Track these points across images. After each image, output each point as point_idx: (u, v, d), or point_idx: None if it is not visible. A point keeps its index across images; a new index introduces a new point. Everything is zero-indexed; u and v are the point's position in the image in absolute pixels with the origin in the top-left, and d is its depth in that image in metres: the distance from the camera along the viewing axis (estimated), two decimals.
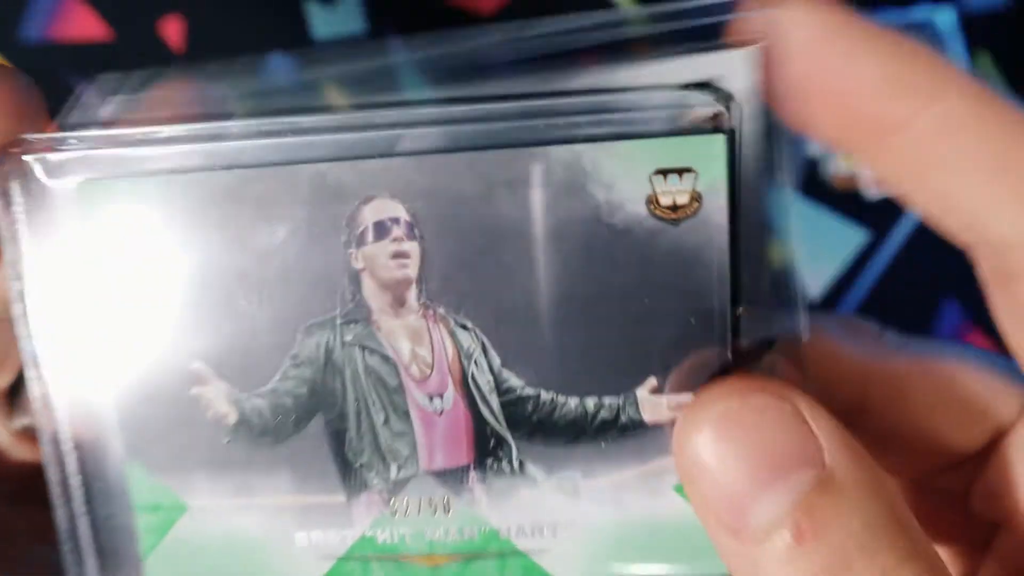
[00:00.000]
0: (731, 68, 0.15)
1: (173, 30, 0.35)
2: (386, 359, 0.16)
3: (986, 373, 0.17)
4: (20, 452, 0.21)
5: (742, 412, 0.14)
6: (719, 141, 0.15)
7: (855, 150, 0.15)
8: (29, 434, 0.21)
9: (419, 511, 0.17)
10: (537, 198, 0.15)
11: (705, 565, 0.17)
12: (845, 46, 0.14)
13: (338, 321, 0.16)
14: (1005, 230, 0.15)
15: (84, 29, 0.35)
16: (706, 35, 0.15)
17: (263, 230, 0.16)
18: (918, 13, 0.37)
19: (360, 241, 0.16)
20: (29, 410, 0.21)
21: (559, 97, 0.15)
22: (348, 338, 0.16)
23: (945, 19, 0.37)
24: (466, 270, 0.16)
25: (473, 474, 0.17)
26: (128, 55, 0.35)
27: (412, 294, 0.16)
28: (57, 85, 0.39)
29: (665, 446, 0.16)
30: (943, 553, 0.18)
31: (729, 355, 0.16)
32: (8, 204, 0.16)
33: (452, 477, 0.17)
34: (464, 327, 0.16)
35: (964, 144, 0.14)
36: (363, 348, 0.16)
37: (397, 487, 0.17)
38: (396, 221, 0.16)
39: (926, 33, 0.37)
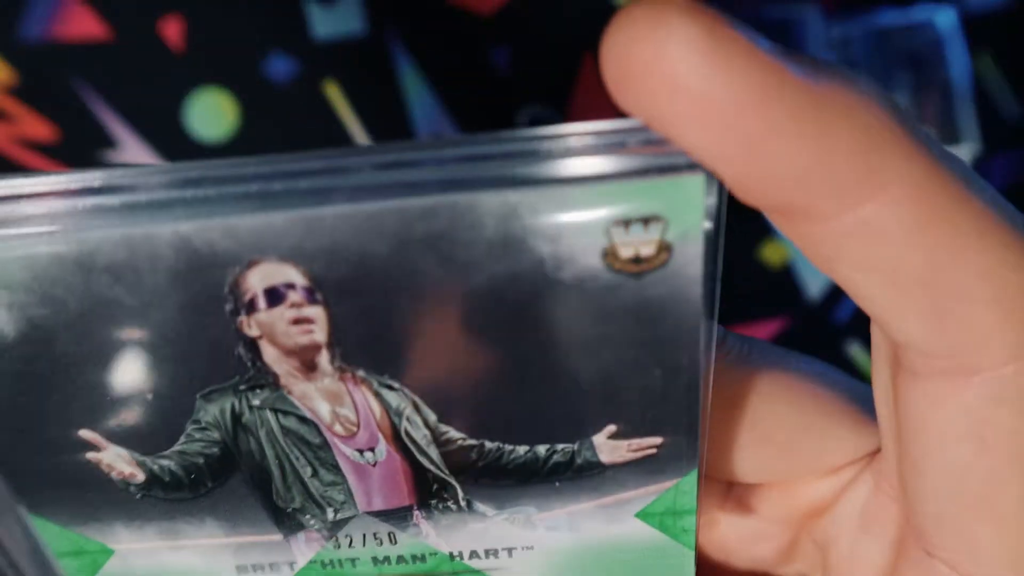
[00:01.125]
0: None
1: (173, 30, 0.35)
2: (304, 420, 0.14)
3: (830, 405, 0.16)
4: None
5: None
6: (696, 183, 0.11)
7: (782, 227, 0.12)
8: None
9: (364, 543, 0.16)
10: (464, 255, 0.12)
11: None
12: (763, 128, 0.11)
13: (240, 387, 0.14)
14: (907, 339, 0.13)
15: (84, 29, 0.35)
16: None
17: (127, 302, 0.13)
18: (918, 13, 0.37)
19: (250, 308, 0.13)
20: None
21: (487, 135, 0.11)
22: (256, 403, 0.14)
23: (945, 19, 0.37)
24: (384, 332, 0.13)
25: (417, 512, 0.15)
26: (128, 55, 0.35)
27: (324, 358, 0.13)
28: (57, 85, 0.35)
29: (626, 482, 0.15)
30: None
31: (698, 400, 0.14)
32: None
33: (394, 516, 0.15)
34: (390, 387, 0.14)
35: (887, 251, 0.12)
36: (275, 411, 0.14)
37: (337, 526, 0.16)
38: (291, 286, 0.12)
39: (926, 33, 0.36)
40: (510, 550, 0.16)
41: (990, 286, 0.12)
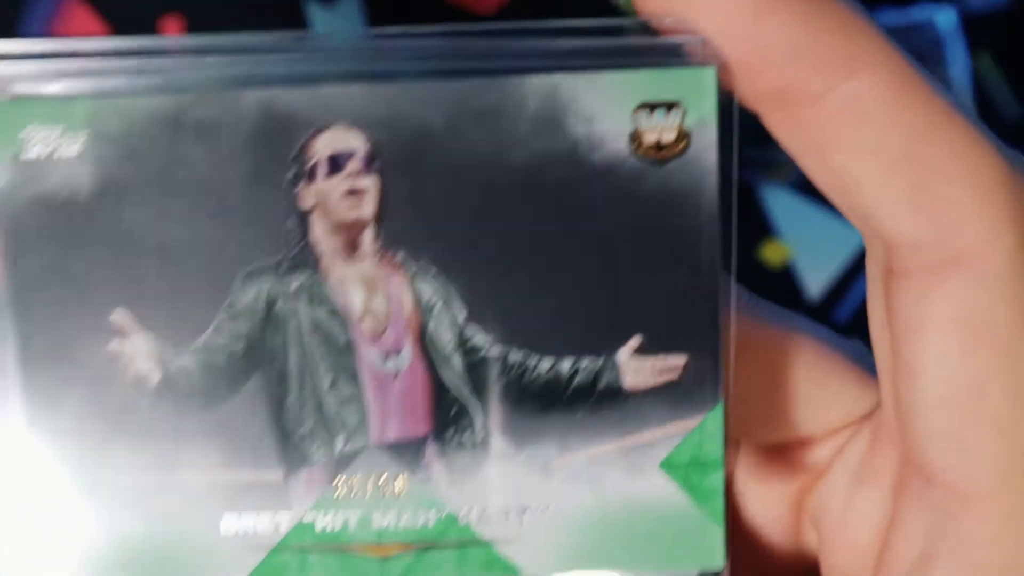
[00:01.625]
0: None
1: (173, 30, 0.35)
2: (335, 312, 0.14)
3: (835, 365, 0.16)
4: None
5: None
6: (709, 74, 0.14)
7: (763, 113, 0.14)
8: None
9: (367, 492, 0.15)
10: (509, 131, 0.14)
11: (691, 560, 0.15)
12: (760, 8, 0.13)
13: (282, 268, 0.14)
14: (895, 228, 0.14)
15: (84, 29, 0.35)
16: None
17: (202, 163, 0.14)
18: (918, 13, 0.37)
19: (310, 176, 0.14)
20: None
21: (537, 26, 0.14)
22: (292, 288, 0.14)
23: (945, 19, 0.37)
24: (430, 210, 0.14)
25: (431, 447, 0.15)
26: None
27: (368, 237, 0.14)
28: None
29: (650, 416, 0.15)
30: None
31: (720, 310, 0.14)
32: None
33: (407, 451, 0.15)
34: (426, 275, 0.14)
35: (871, 128, 0.13)
36: (309, 299, 0.14)
37: (343, 462, 0.15)
38: (353, 154, 0.14)
39: (926, 33, 0.37)
40: (523, 511, 0.15)
41: (965, 165, 0.13)
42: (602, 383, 0.14)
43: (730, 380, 0.15)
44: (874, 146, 0.13)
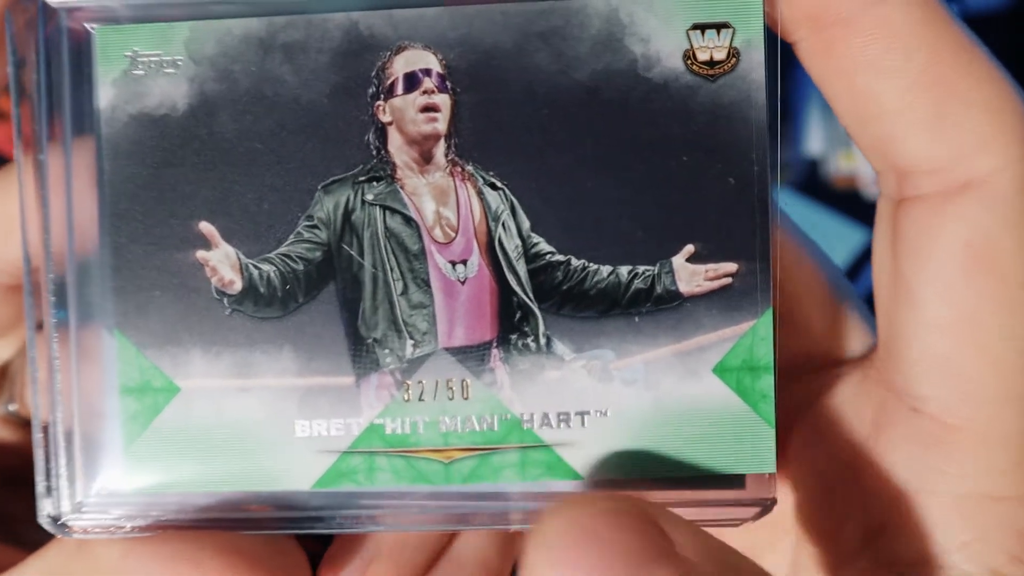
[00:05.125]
0: None
1: None
2: (408, 220, 0.15)
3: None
4: (5, 435, 0.20)
5: (597, 528, 0.13)
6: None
7: (798, 39, 0.15)
8: (15, 420, 0.20)
9: (435, 395, 0.15)
10: (572, 51, 0.15)
11: (744, 463, 0.15)
12: None
13: (360, 178, 0.15)
14: (913, 151, 0.14)
15: None
16: None
17: (289, 81, 0.15)
18: None
19: (389, 93, 0.15)
20: (16, 396, 0.19)
21: None
22: (369, 197, 0.15)
23: None
24: (498, 125, 0.15)
25: (495, 352, 0.15)
26: None
27: (440, 149, 0.15)
28: None
29: (704, 321, 0.15)
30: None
31: (769, 219, 0.15)
32: (26, 49, 0.15)
33: (472, 355, 0.15)
34: (493, 186, 0.15)
35: (898, 49, 0.14)
36: (384, 208, 0.15)
37: (412, 366, 0.15)
38: (428, 72, 0.15)
39: None
40: (583, 415, 0.15)
41: (985, 93, 0.14)
42: (659, 288, 0.15)
43: (777, 282, 0.15)
44: (900, 67, 0.14)
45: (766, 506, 0.15)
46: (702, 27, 0.15)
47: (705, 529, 0.14)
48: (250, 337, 0.15)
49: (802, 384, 0.17)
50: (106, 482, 0.16)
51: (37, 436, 0.16)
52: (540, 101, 0.15)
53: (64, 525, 0.16)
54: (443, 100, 0.15)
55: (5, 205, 0.16)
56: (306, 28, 0.15)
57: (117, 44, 0.15)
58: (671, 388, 0.15)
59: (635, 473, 0.15)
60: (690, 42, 0.15)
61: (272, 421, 0.15)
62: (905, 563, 0.15)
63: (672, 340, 0.15)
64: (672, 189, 0.15)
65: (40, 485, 0.16)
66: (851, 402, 0.16)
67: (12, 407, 0.20)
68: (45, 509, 0.16)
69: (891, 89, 0.14)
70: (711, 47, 0.15)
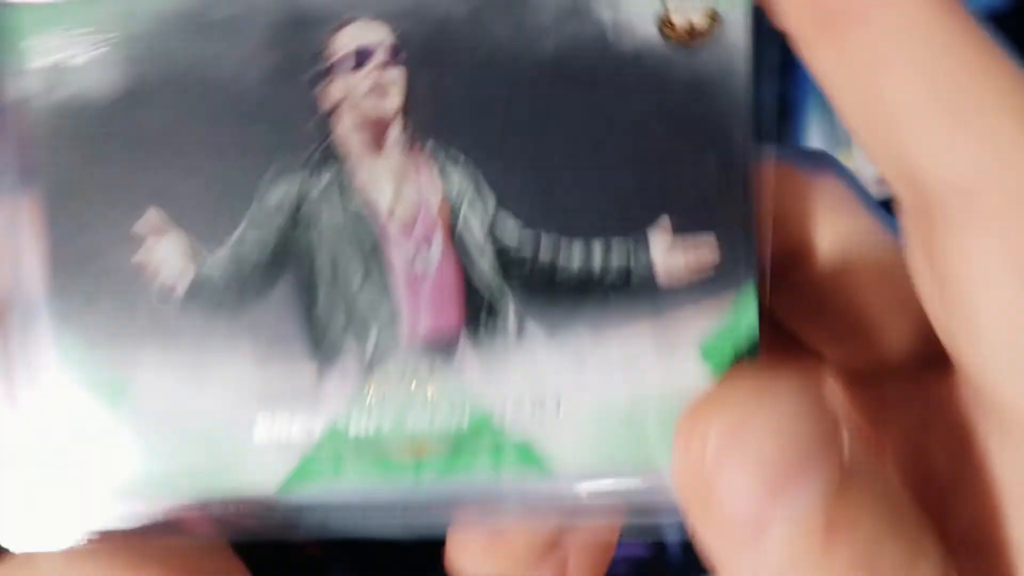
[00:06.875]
0: None
1: None
2: (363, 208, 0.14)
3: None
4: None
5: (756, 413, 0.13)
6: None
7: (814, 41, 0.14)
8: None
9: (400, 391, 0.15)
10: (534, 19, 0.14)
11: None
12: None
13: (309, 165, 0.14)
14: (932, 168, 0.13)
15: None
16: None
17: (224, 62, 0.14)
18: None
19: (336, 71, 0.14)
20: None
21: None
22: (321, 185, 0.14)
23: None
24: (457, 100, 0.14)
25: (464, 341, 0.15)
26: None
27: (395, 130, 0.14)
28: None
29: (681, 298, 0.15)
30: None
31: (751, 191, 0.14)
32: None
33: (439, 344, 0.15)
34: (454, 164, 0.14)
35: (920, 52, 0.13)
36: (338, 197, 0.14)
37: (375, 359, 0.15)
38: (379, 45, 0.14)
39: None
40: (558, 400, 0.15)
41: (1011, 99, 0.13)
42: (634, 263, 0.14)
43: (765, 260, 0.14)
44: (921, 71, 0.13)
45: None
46: None
47: None
48: (205, 333, 0.14)
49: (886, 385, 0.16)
50: (52, 490, 0.15)
51: None
52: (502, 73, 0.14)
53: (8, 536, 0.15)
54: (396, 77, 0.14)
55: None
56: (240, 3, 0.14)
57: (36, 27, 0.14)
58: (649, 369, 0.15)
59: (616, 459, 0.15)
60: (665, 7, 0.14)
61: (230, 422, 0.14)
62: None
63: (650, 317, 0.15)
64: (647, 162, 0.14)
65: None
66: (934, 408, 0.16)
67: None
68: None
69: (909, 94, 0.13)
70: (689, 10, 0.14)
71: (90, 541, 0.15)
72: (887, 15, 0.13)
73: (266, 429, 0.14)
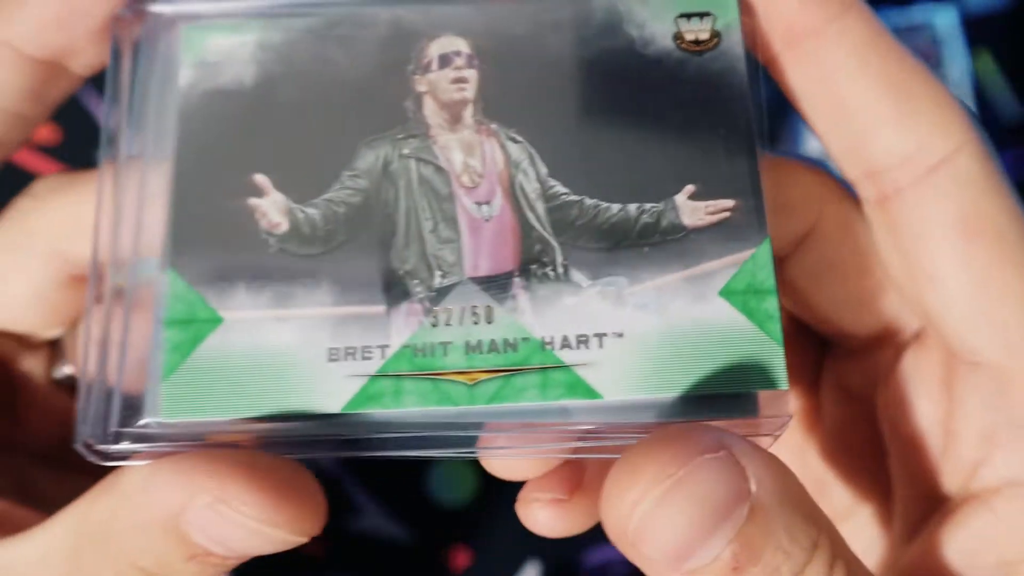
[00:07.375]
0: None
1: None
2: (439, 169, 0.17)
3: None
4: (58, 401, 0.20)
5: (682, 477, 0.15)
6: None
7: (778, 60, 0.18)
8: (68, 384, 0.21)
9: (460, 321, 0.16)
10: (579, 34, 0.18)
11: (757, 380, 0.16)
12: None
13: (399, 136, 0.18)
14: (886, 143, 0.17)
15: None
16: None
17: (341, 62, 0.18)
18: (918, 13, 0.38)
19: (426, 69, 0.18)
20: (71, 359, 0.21)
21: None
22: (405, 151, 0.18)
23: (945, 19, 0.38)
24: (517, 93, 0.18)
25: (517, 280, 0.17)
26: None
27: (468, 112, 0.18)
28: None
29: (708, 250, 0.17)
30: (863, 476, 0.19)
31: (756, 165, 0.17)
32: (123, 54, 0.18)
33: (496, 284, 0.17)
34: (514, 140, 0.17)
35: (862, 53, 0.17)
36: (419, 160, 0.17)
37: (440, 295, 0.17)
38: (458, 53, 0.18)
39: (926, 33, 0.38)
40: (601, 337, 0.16)
41: (934, 85, 0.17)
42: (665, 221, 0.17)
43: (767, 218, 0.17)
44: (865, 68, 0.17)
45: (784, 423, 0.16)
46: (688, 15, 0.18)
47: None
48: (291, 272, 0.17)
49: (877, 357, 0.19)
50: (144, 410, 0.16)
51: (81, 368, 0.16)
52: (553, 74, 0.18)
53: (100, 452, 0.16)
54: (471, 74, 0.18)
55: (84, 209, 0.18)
56: (358, 22, 0.18)
57: (199, 36, 0.18)
58: (681, 311, 0.16)
59: (651, 391, 0.16)
60: (678, 27, 0.18)
61: (306, 348, 0.16)
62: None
63: (680, 267, 0.17)
64: (671, 140, 0.17)
65: (79, 413, 0.16)
66: (919, 368, 0.18)
67: (66, 370, 0.21)
68: (81, 436, 0.16)
69: (860, 89, 0.17)
70: (696, 30, 0.18)
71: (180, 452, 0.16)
72: (835, 27, 0.17)
73: (338, 354, 0.16)
